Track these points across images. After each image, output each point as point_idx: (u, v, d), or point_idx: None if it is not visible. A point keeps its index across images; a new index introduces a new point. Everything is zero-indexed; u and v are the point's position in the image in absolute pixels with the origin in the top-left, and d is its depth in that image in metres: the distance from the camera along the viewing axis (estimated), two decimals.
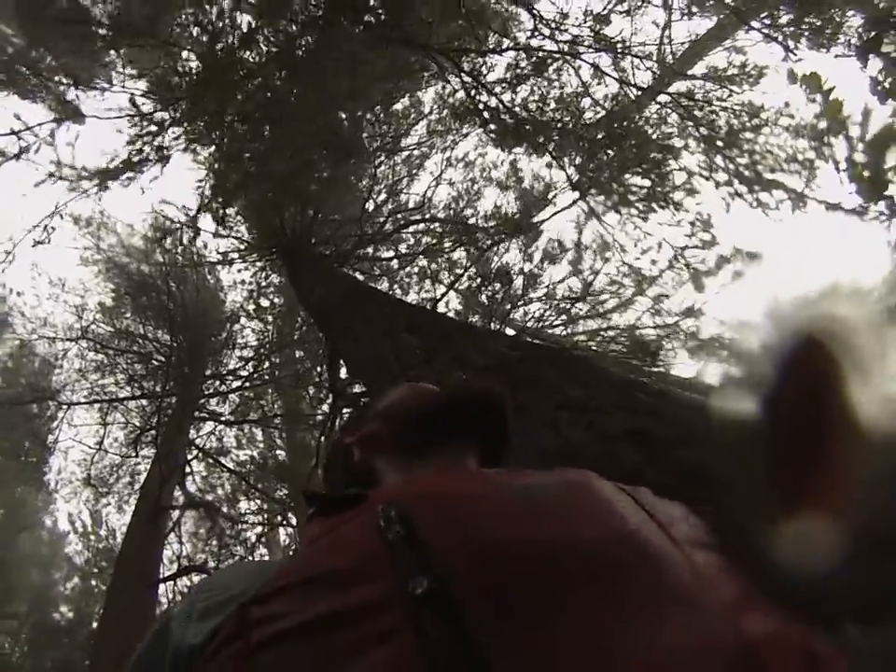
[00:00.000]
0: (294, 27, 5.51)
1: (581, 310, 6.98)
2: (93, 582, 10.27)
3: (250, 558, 8.18)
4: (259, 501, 8.46)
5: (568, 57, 5.49)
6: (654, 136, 5.68)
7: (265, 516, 8.23)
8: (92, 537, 10.38)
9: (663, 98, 5.72)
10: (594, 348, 6.42)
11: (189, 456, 8.20)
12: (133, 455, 8.12)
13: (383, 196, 7.27)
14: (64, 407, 8.74)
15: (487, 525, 0.51)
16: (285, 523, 8.03)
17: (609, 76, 5.61)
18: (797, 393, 0.50)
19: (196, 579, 8.11)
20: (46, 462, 9.50)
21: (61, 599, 10.93)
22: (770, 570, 0.47)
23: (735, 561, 0.52)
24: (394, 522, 0.52)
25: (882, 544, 0.47)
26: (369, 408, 0.94)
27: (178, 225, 6.96)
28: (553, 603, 0.44)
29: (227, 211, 6.28)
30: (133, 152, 6.05)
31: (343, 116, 6.09)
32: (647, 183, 5.62)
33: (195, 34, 5.95)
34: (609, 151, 5.49)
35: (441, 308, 6.25)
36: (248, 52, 5.75)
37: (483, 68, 5.61)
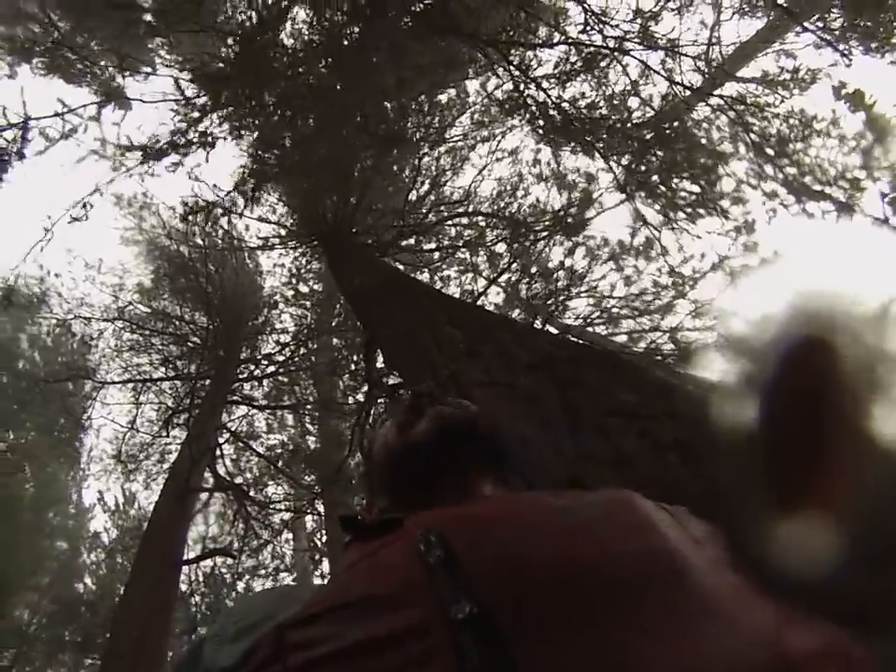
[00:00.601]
0: (340, 16, 5.51)
1: (622, 310, 6.89)
2: (119, 559, 10.49)
3: (275, 543, 8.29)
4: (287, 487, 8.55)
5: (617, 54, 5.39)
6: (704, 140, 5.58)
7: (292, 502, 8.31)
8: (123, 515, 10.64)
9: (713, 100, 5.60)
10: (637, 351, 6.35)
11: (221, 439, 8.28)
12: (165, 435, 8.24)
13: (426, 187, 7.22)
14: (99, 385, 8.95)
15: (525, 549, 0.52)
16: (311, 510, 8.08)
17: (659, 74, 5.51)
18: (798, 394, 0.49)
19: (220, 562, 8.23)
20: (79, 439, 9.73)
21: (86, 573, 11.18)
22: (769, 573, 0.46)
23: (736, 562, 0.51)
24: (434, 546, 0.53)
25: (882, 548, 0.46)
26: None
27: (215, 205, 7.01)
28: (589, 622, 0.44)
29: (259, 192, 6.31)
30: (178, 134, 6.12)
31: (388, 105, 6.07)
32: (696, 189, 5.51)
33: (240, 20, 6.00)
34: (658, 153, 5.40)
35: (481, 302, 6.25)
36: (293, 40, 5.78)
37: (533, 62, 5.55)
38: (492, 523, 0.57)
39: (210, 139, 6.18)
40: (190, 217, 7.03)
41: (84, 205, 6.63)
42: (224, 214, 6.95)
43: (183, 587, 7.70)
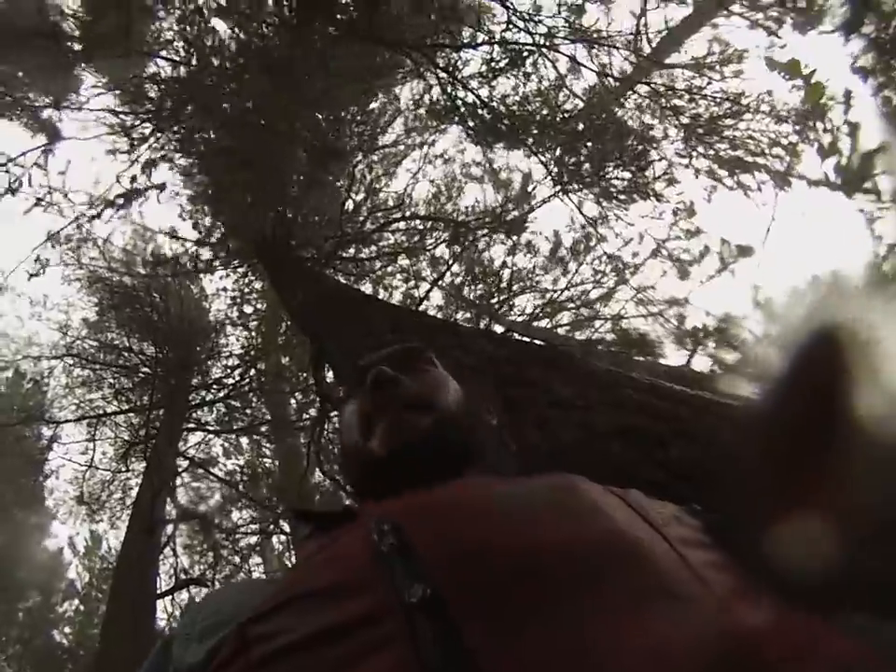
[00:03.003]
0: (267, 30, 5.46)
1: (565, 303, 6.97)
2: (95, 604, 10.19)
3: (246, 568, 8.15)
4: (251, 510, 8.44)
5: (544, 49, 5.46)
6: (634, 127, 5.68)
7: (258, 525, 8.21)
8: (93, 557, 10.34)
9: (641, 88, 5.70)
10: (581, 342, 6.44)
11: (180, 468, 8.14)
12: (125, 469, 8.05)
13: (361, 195, 7.21)
14: (53, 426, 8.68)
15: (476, 532, 0.52)
16: (278, 530, 7.99)
17: (586, 67, 5.60)
18: (809, 387, 0.50)
19: (195, 591, 8.07)
20: (40, 483, 9.43)
21: (62, 622, 10.85)
22: (775, 562, 0.47)
23: (737, 554, 0.53)
24: (386, 534, 0.53)
25: (887, 536, 0.47)
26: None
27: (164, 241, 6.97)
28: (540, 603, 0.44)
29: (205, 218, 6.27)
30: (128, 180, 6.05)
31: (321, 117, 6.04)
32: (627, 175, 5.61)
33: (169, 41, 5.90)
34: (589, 143, 5.48)
35: (424, 307, 6.27)
36: (222, 58, 5.71)
37: (459, 63, 5.59)
38: (444, 510, 0.58)
39: (159, 182, 6.14)
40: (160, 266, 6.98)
41: (38, 260, 6.52)
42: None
43: (162, 620, 7.52)
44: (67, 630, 10.67)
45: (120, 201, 6.27)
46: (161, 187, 6.22)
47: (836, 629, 0.47)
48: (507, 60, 5.46)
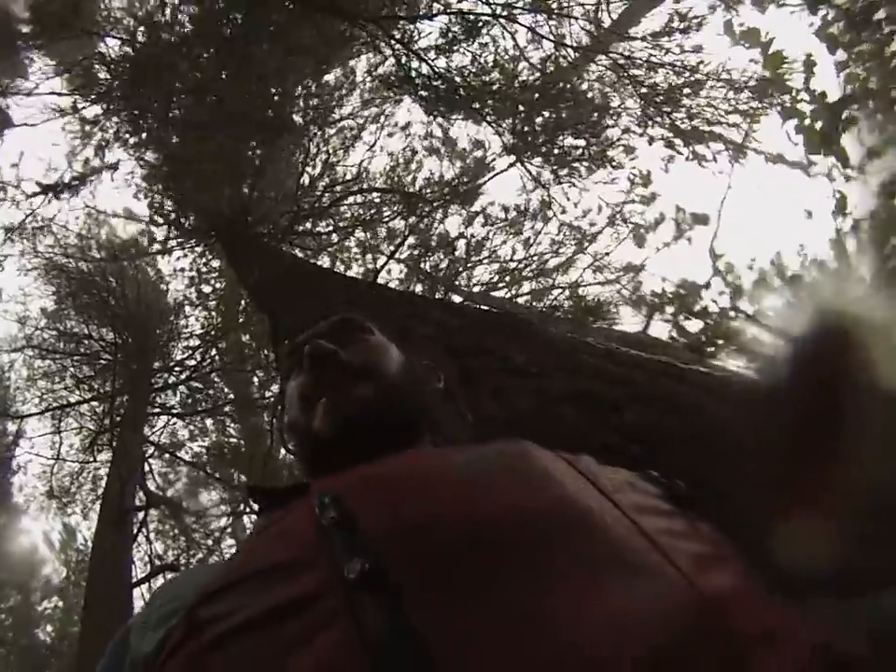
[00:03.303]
0: (220, 2, 5.32)
1: (524, 272, 7.01)
2: (75, 599, 10.09)
3: (219, 550, 8.15)
4: (220, 491, 8.41)
5: (502, 20, 5.40)
6: (590, 97, 5.68)
7: (228, 506, 8.20)
8: (69, 551, 10.22)
9: (601, 59, 5.68)
10: (539, 310, 6.49)
11: (147, 454, 8.06)
12: (92, 459, 7.94)
13: (318, 169, 7.11)
14: (17, 421, 8.52)
15: (420, 503, 0.51)
16: (247, 510, 7.98)
17: (545, 38, 5.55)
18: (815, 379, 0.50)
19: (170, 577, 8.05)
20: (8, 480, 9.24)
21: (44, 619, 10.74)
22: (761, 538, 0.47)
23: (717, 523, 0.53)
24: (327, 507, 0.52)
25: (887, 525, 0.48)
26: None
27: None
28: (487, 574, 0.43)
29: (160, 198, 6.15)
30: (80, 162, 5.88)
31: (274, 91, 5.92)
32: (581, 143, 5.61)
33: (118, 19, 5.73)
34: (545, 113, 5.47)
35: (382, 280, 6.24)
36: (173, 34, 5.56)
37: (415, 35, 5.51)
38: (388, 480, 0.57)
39: (112, 162, 5.98)
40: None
41: None
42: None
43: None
44: (49, 628, 10.60)
45: (74, 184, 6.11)
46: (114, 167, 6.07)
47: (815, 608, 0.47)
48: (464, 30, 5.40)
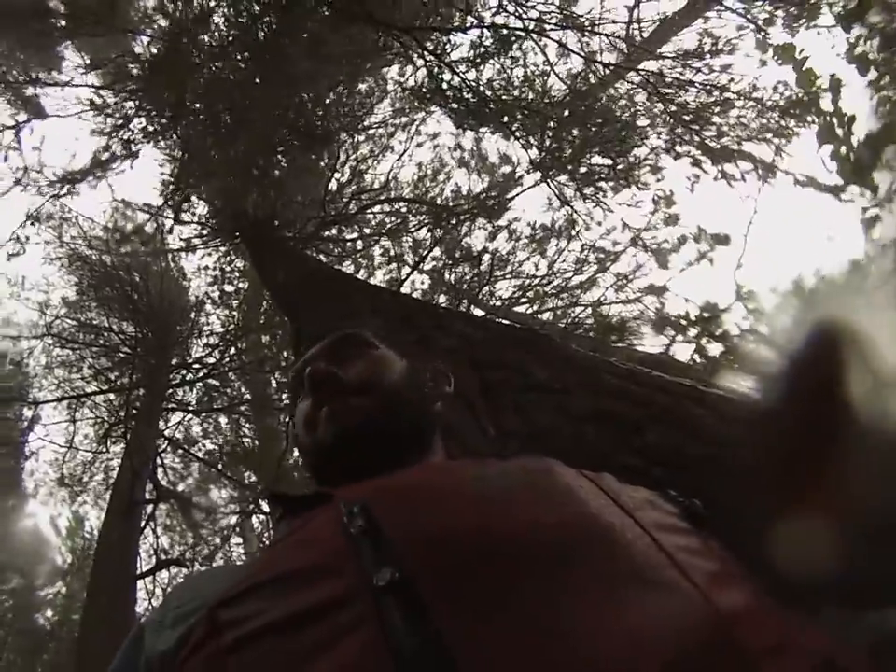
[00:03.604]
0: (256, 7, 5.38)
1: (546, 288, 7.01)
2: (79, 587, 10.14)
3: (226, 548, 8.16)
4: (230, 489, 8.43)
5: (534, 35, 5.43)
6: (619, 114, 5.67)
7: (238, 504, 8.21)
8: (76, 539, 10.28)
9: (631, 76, 5.68)
10: (561, 327, 6.48)
11: (160, 448, 8.09)
12: (105, 450, 8.01)
13: (346, 176, 7.15)
14: (33, 407, 8.57)
15: (445, 514, 0.52)
16: (257, 510, 7.99)
17: (576, 53, 5.57)
18: (810, 386, 0.51)
19: (175, 572, 8.07)
20: (20, 465, 9.32)
21: (45, 605, 10.79)
22: (764, 553, 0.47)
23: (725, 541, 0.53)
24: (356, 516, 0.53)
25: (883, 534, 0.47)
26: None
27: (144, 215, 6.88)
28: (509, 586, 0.44)
29: (188, 198, 6.19)
30: (100, 149, 5.95)
31: (308, 99, 5.98)
32: (608, 161, 5.60)
33: (154, 18, 5.81)
34: (574, 130, 5.47)
35: (405, 290, 6.27)
36: (208, 36, 5.63)
37: (448, 47, 5.55)
38: (415, 492, 0.58)
39: (133, 148, 6.04)
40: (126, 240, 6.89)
41: (18, 239, 6.43)
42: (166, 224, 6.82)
43: (142, 602, 7.51)
44: (50, 613, 10.65)
45: (99, 173, 6.20)
46: (135, 155, 6.12)
47: (819, 623, 0.47)
48: (496, 44, 5.43)
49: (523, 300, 6.95)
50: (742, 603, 0.45)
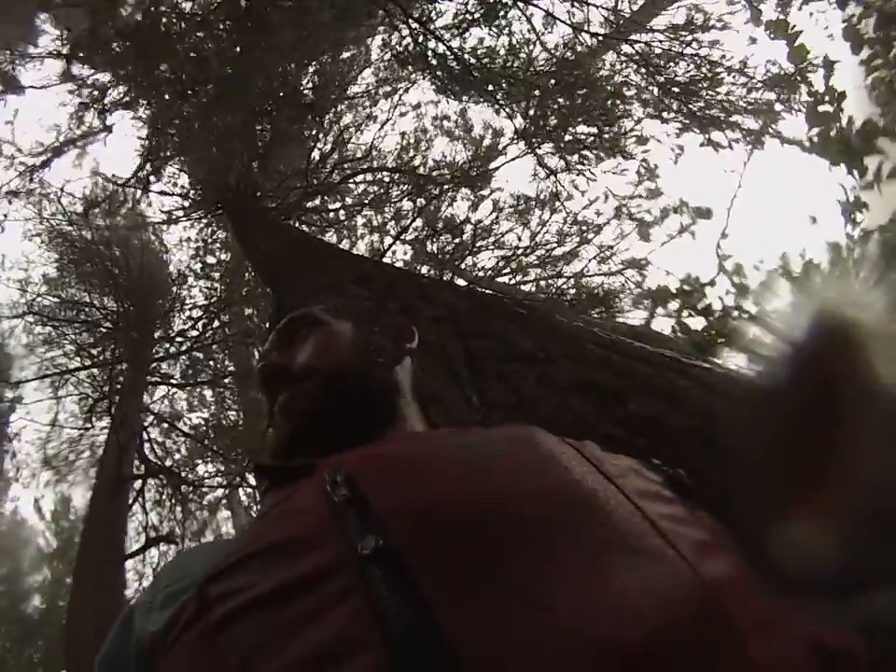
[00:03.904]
0: None
1: (529, 259, 7.02)
2: (66, 571, 10.13)
3: (214, 522, 8.20)
4: (217, 464, 8.44)
5: (520, 3, 5.35)
6: (606, 84, 5.62)
7: (224, 478, 8.23)
8: (61, 522, 10.25)
9: (619, 48, 5.63)
10: (544, 297, 6.50)
11: (145, 423, 8.08)
12: (90, 426, 7.99)
13: (329, 146, 7.08)
14: (14, 387, 8.55)
15: (429, 483, 0.52)
16: (244, 483, 8.02)
17: (563, 22, 5.49)
18: (814, 378, 0.51)
19: (164, 549, 8.09)
20: (2, 448, 9.24)
21: (32, 591, 10.80)
22: (759, 532, 0.47)
23: (714, 512, 0.53)
24: (340, 486, 0.52)
25: (881, 520, 0.48)
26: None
27: (120, 186, 6.78)
28: (494, 555, 0.44)
29: (164, 165, 6.10)
30: (75, 123, 5.84)
31: (291, 67, 5.88)
32: (594, 130, 5.57)
33: None
34: (560, 99, 5.43)
35: (388, 259, 6.25)
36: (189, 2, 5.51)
37: (433, 14, 5.46)
38: (398, 461, 0.57)
39: (108, 122, 5.94)
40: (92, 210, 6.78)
41: None
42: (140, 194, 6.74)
43: (132, 581, 7.54)
44: (38, 601, 10.68)
45: (77, 146, 6.11)
46: (109, 129, 6.03)
47: (808, 605, 0.47)
48: (482, 12, 5.35)
49: (505, 270, 6.97)
50: (729, 574, 0.45)
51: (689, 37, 5.44)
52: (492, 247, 6.86)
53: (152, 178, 6.24)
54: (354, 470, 0.54)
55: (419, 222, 6.78)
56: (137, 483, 7.50)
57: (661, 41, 5.50)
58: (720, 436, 0.57)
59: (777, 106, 5.60)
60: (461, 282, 6.28)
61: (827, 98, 3.49)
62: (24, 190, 7.41)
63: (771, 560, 0.46)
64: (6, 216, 6.70)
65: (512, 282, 7.11)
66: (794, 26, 4.12)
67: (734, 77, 5.59)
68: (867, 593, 0.50)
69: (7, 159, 6.49)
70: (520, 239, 7.03)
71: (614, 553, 0.44)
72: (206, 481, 8.14)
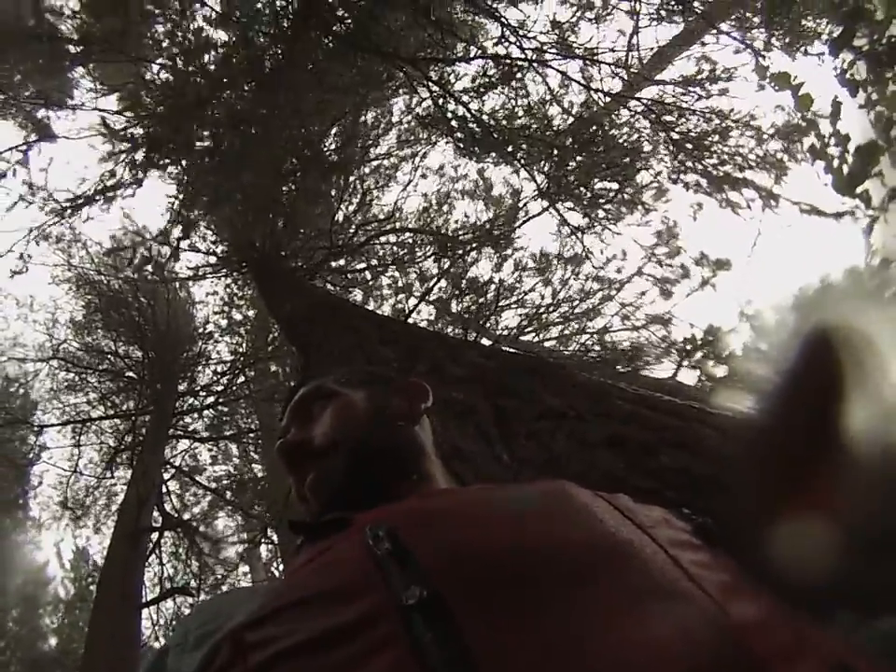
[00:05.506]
0: (263, 39, 5.48)
1: (553, 317, 7.06)
2: (83, 615, 9.99)
3: (233, 576, 8.06)
4: (237, 518, 8.36)
5: (536, 65, 5.51)
6: (622, 140, 5.73)
7: (245, 533, 8.13)
8: (79, 568, 10.14)
9: (632, 104, 5.75)
10: (568, 354, 6.48)
11: (166, 476, 8.06)
12: (109, 476, 7.98)
13: (353, 207, 7.20)
14: (37, 430, 8.53)
15: (468, 535, 0.53)
16: (264, 539, 7.93)
17: (577, 82, 5.64)
18: (806, 394, 0.52)
19: (180, 601, 7.97)
20: (24, 489, 9.23)
21: (48, 633, 10.65)
22: (769, 564, 0.48)
23: (734, 556, 0.54)
24: (381, 539, 0.53)
25: (879, 541, 0.48)
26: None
27: (148, 242, 6.94)
28: (534, 603, 0.45)
29: (194, 226, 6.24)
30: (107, 175, 6.02)
31: (315, 128, 6.05)
32: (614, 186, 5.65)
33: (165, 47, 5.90)
34: (578, 157, 5.53)
35: (413, 319, 6.27)
36: (215, 66, 5.72)
37: (452, 77, 5.63)
38: (437, 515, 0.59)
39: (139, 175, 6.10)
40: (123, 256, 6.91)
41: (21, 256, 6.49)
42: (170, 253, 6.87)
43: (147, 629, 7.41)
44: (53, 642, 10.51)
45: (108, 196, 6.25)
46: (140, 182, 6.18)
47: (829, 628, 0.49)
48: (499, 74, 5.51)
49: (528, 328, 6.98)
50: (754, 612, 0.46)
51: (698, 89, 5.55)
52: (515, 306, 6.91)
53: (180, 236, 6.37)
54: (394, 524, 0.55)
55: (443, 282, 6.86)
56: (154, 535, 7.45)
57: (671, 94, 5.63)
58: (728, 478, 0.59)
59: (786, 158, 5.67)
60: (486, 341, 6.30)
61: (833, 140, 3.54)
62: (53, 235, 7.56)
63: (786, 582, 0.48)
64: (30, 256, 6.81)
65: (536, 339, 7.13)
66: (796, 77, 4.20)
67: (742, 129, 5.67)
68: (889, 616, 0.50)
69: (40, 201, 6.65)
70: (542, 297, 7.07)
71: (650, 597, 0.46)
72: (226, 536, 8.04)
